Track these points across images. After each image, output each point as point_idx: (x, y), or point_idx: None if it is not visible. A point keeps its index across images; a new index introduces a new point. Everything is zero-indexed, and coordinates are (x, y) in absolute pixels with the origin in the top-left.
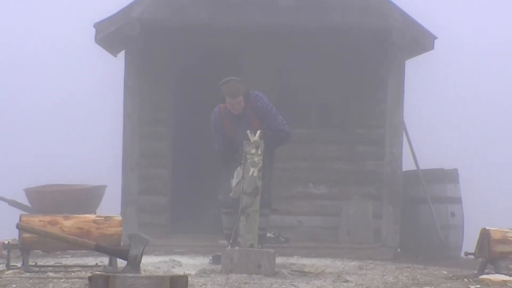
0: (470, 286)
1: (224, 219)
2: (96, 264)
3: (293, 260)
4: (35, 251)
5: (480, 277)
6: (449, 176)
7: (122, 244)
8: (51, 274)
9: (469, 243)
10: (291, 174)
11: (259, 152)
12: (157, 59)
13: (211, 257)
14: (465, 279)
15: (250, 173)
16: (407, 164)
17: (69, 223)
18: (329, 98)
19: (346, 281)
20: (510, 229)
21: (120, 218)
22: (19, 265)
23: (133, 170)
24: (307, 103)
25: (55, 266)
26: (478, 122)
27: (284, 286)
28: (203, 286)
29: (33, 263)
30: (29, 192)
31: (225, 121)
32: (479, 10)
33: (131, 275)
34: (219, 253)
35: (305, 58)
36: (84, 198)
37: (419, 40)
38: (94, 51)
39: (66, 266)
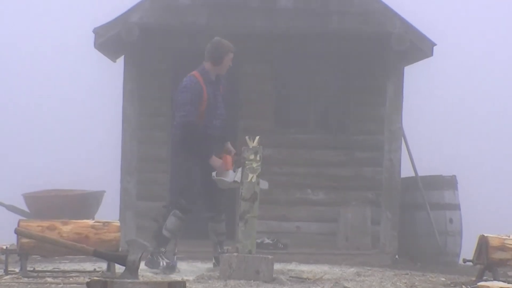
0: None
1: (177, 223)
2: (94, 269)
3: (291, 266)
4: (33, 256)
5: (478, 284)
6: (448, 183)
7: (120, 249)
8: (49, 279)
9: (467, 250)
10: (289, 180)
11: (258, 158)
12: (156, 64)
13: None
14: (463, 286)
15: (249, 179)
16: (406, 171)
17: (68, 228)
18: (327, 103)
19: (345, 287)
20: (509, 236)
21: (118, 223)
22: (17, 270)
23: (132, 175)
24: (306, 108)
25: (53, 271)
26: (477, 128)
27: None
28: None
29: (31, 268)
30: (27, 197)
31: (204, 90)
32: (478, 17)
33: (129, 280)
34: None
35: (303, 62)
36: (82, 203)
37: (418, 46)
38: (93, 56)
39: (64, 272)
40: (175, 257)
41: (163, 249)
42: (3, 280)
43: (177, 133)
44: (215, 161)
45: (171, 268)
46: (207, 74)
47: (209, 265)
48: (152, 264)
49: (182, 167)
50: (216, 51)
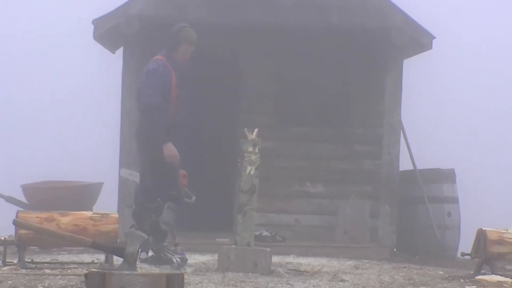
0: (466, 287)
1: (171, 214)
2: (92, 261)
3: (290, 259)
4: (32, 247)
5: (476, 277)
6: (446, 176)
7: (118, 241)
8: (47, 270)
9: (466, 243)
10: (289, 173)
11: (256, 150)
12: (155, 55)
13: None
14: (461, 280)
15: (247, 171)
16: (404, 164)
17: (66, 220)
18: (327, 97)
19: (342, 280)
20: (507, 230)
21: (116, 215)
22: (15, 261)
23: (130, 167)
24: (305, 101)
25: (51, 262)
26: (476, 122)
27: (280, 285)
28: (199, 284)
29: (29, 260)
30: (26, 189)
31: (172, 74)
32: (478, 10)
33: (127, 272)
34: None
35: (303, 56)
36: (81, 195)
37: (418, 39)
38: (92, 47)
39: (62, 263)
40: (179, 248)
41: (165, 244)
42: (1, 271)
43: (142, 119)
44: (169, 149)
45: (184, 260)
46: (171, 58)
47: (207, 257)
48: (161, 261)
49: (160, 159)
50: (171, 38)
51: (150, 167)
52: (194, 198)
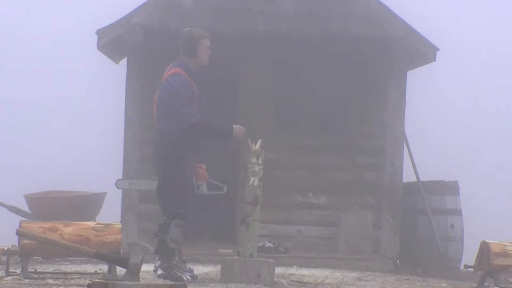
0: None
1: (178, 232)
2: (96, 271)
3: (292, 270)
4: (35, 257)
5: None
6: (449, 188)
7: (121, 251)
8: (50, 281)
9: (469, 256)
10: (291, 183)
11: (260, 161)
12: (159, 66)
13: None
14: None
15: (250, 183)
16: (408, 175)
17: (69, 230)
18: (329, 107)
19: None
20: (510, 243)
21: (119, 225)
22: (18, 271)
23: (134, 177)
24: (307, 112)
25: (54, 273)
26: (479, 134)
27: None
28: None
29: (33, 270)
30: (29, 199)
31: (194, 87)
32: (482, 21)
33: (130, 282)
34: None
35: (305, 66)
36: (84, 205)
37: (421, 51)
38: (96, 57)
39: (65, 273)
40: (187, 265)
41: (174, 262)
42: (4, 281)
43: (185, 133)
44: (237, 128)
45: (195, 277)
46: (189, 70)
47: (210, 268)
48: (171, 279)
49: (170, 176)
50: (188, 43)
51: (164, 186)
52: (225, 188)
